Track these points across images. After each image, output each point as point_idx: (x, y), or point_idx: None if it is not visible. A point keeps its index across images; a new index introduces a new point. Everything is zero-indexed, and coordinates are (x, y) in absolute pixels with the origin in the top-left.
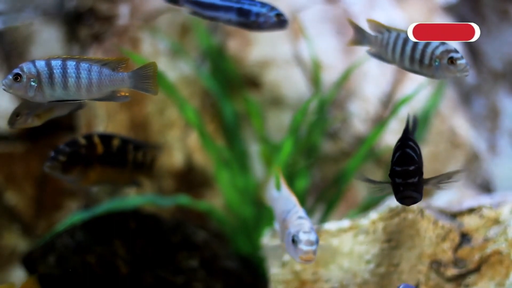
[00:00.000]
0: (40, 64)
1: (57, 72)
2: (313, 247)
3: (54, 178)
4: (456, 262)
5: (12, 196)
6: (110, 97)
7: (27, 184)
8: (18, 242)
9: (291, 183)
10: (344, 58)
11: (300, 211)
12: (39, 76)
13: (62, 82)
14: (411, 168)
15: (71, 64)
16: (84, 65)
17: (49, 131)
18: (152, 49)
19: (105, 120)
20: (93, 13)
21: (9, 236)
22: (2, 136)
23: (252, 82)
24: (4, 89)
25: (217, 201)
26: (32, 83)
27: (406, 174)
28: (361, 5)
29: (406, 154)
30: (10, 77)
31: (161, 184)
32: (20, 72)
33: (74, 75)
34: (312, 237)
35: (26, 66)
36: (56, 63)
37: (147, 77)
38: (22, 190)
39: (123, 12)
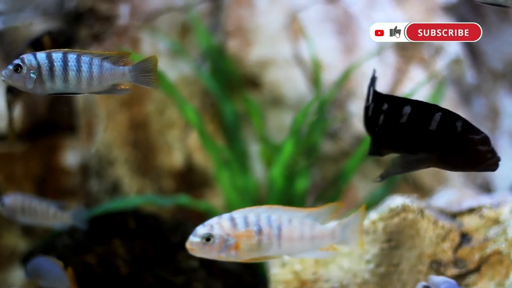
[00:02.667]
0: (41, 56)
1: (57, 64)
2: (194, 238)
3: (54, 178)
4: (456, 262)
5: None
6: (111, 90)
7: (27, 184)
8: (18, 242)
9: (291, 183)
10: (344, 58)
11: (239, 212)
12: (40, 68)
13: (63, 75)
14: (485, 134)
15: (72, 57)
16: (85, 59)
17: (49, 131)
18: (152, 49)
19: (105, 119)
20: (93, 13)
21: (9, 236)
22: (2, 136)
23: (252, 82)
24: (4, 80)
25: (217, 201)
26: (32, 75)
27: (488, 141)
28: (361, 5)
29: (470, 123)
30: (11, 67)
31: (161, 184)
32: (20, 63)
33: (75, 68)
34: (200, 230)
35: (27, 58)
36: (57, 56)
37: (148, 71)
38: (22, 190)
39: (123, 12)
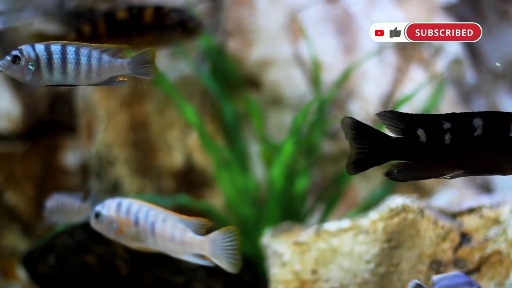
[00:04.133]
0: (40, 48)
1: (56, 57)
2: (92, 214)
3: (54, 178)
4: (456, 262)
5: (12, 196)
6: (108, 82)
7: (27, 184)
8: (18, 242)
9: (291, 183)
10: (344, 58)
11: (128, 200)
12: (38, 60)
13: (61, 67)
14: None
15: (70, 49)
16: (83, 51)
17: (49, 131)
18: None
19: (105, 120)
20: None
21: (9, 236)
22: (2, 136)
23: (252, 82)
24: (1, 70)
25: (217, 201)
26: (30, 67)
27: None
28: (361, 5)
29: None
30: (8, 58)
31: (161, 184)
32: (19, 55)
33: (73, 60)
34: (97, 207)
35: (25, 49)
36: (55, 48)
37: (146, 62)
38: (22, 190)
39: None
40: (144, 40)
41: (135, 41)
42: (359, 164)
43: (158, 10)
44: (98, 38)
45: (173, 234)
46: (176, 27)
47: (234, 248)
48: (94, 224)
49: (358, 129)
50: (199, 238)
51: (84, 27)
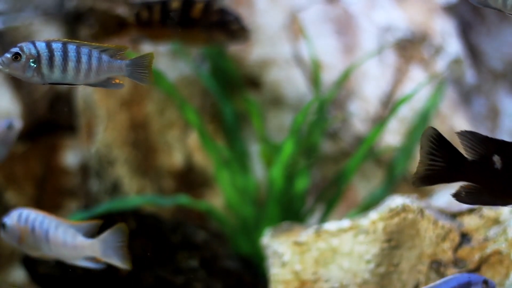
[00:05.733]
0: (41, 45)
1: (57, 54)
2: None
3: (54, 178)
4: (456, 262)
5: (12, 196)
6: (105, 83)
7: (27, 184)
8: None
9: (291, 183)
10: (344, 58)
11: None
12: (40, 57)
13: (62, 65)
14: None
15: (71, 47)
16: (84, 50)
17: (49, 131)
18: (152, 49)
19: (105, 120)
20: (93, 13)
21: None
22: None
23: (252, 82)
24: (0, 68)
25: (217, 201)
26: (31, 64)
27: None
28: (361, 5)
29: None
30: (8, 55)
31: (161, 184)
32: (20, 52)
33: (74, 59)
34: (6, 217)
35: (26, 47)
36: (57, 46)
37: (144, 67)
38: (22, 190)
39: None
40: (189, 34)
41: (181, 33)
42: (428, 180)
43: (207, 6)
44: (152, 25)
45: (65, 239)
46: (220, 27)
47: (123, 245)
48: (2, 234)
49: (437, 143)
50: (89, 240)
51: (142, 11)
